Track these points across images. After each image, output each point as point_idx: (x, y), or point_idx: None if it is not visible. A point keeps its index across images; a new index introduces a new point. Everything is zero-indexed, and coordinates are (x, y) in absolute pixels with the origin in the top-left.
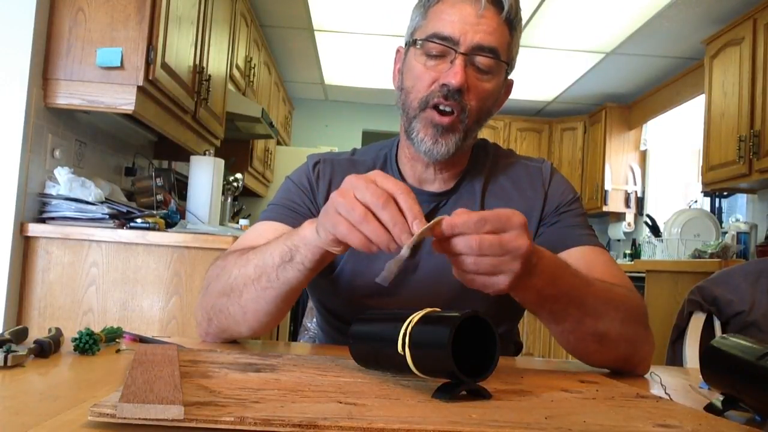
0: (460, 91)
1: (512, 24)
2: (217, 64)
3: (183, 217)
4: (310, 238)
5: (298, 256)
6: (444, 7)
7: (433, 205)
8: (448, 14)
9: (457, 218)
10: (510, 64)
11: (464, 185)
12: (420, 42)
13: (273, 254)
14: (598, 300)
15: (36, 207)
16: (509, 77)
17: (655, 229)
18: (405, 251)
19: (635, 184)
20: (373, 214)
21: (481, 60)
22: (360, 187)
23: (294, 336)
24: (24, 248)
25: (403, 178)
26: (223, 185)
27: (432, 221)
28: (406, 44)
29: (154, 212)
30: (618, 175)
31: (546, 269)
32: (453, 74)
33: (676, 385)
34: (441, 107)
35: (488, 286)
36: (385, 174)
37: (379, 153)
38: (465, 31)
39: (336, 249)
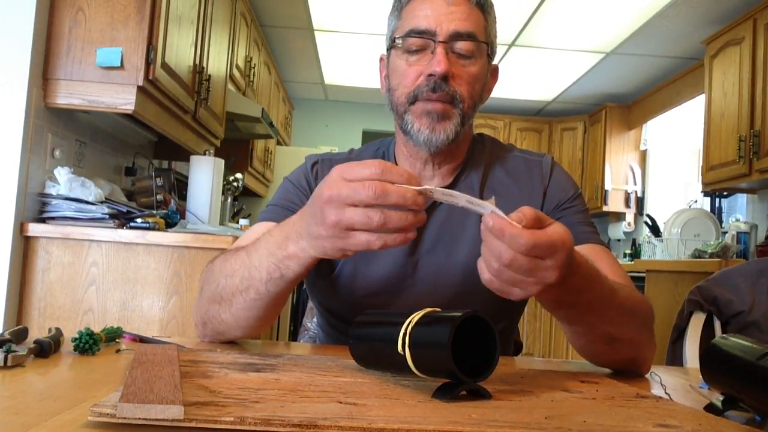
0: (446, 79)
1: (483, 8)
2: (217, 64)
3: (183, 217)
4: (302, 256)
5: (289, 272)
6: (415, 4)
7: (431, 201)
8: (421, 9)
9: (507, 227)
10: (490, 46)
11: (462, 180)
12: (399, 40)
13: (260, 269)
14: (620, 310)
15: (36, 207)
16: (493, 62)
17: (655, 229)
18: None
19: (635, 184)
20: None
21: (461, 45)
22: (346, 193)
23: (294, 336)
24: (24, 248)
25: None
26: (223, 185)
27: (486, 201)
28: (387, 50)
29: (154, 212)
30: (618, 175)
31: (574, 282)
32: (436, 63)
33: (676, 385)
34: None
35: (504, 293)
36: (350, 165)
37: (376, 153)
38: (440, 22)
39: (344, 257)
